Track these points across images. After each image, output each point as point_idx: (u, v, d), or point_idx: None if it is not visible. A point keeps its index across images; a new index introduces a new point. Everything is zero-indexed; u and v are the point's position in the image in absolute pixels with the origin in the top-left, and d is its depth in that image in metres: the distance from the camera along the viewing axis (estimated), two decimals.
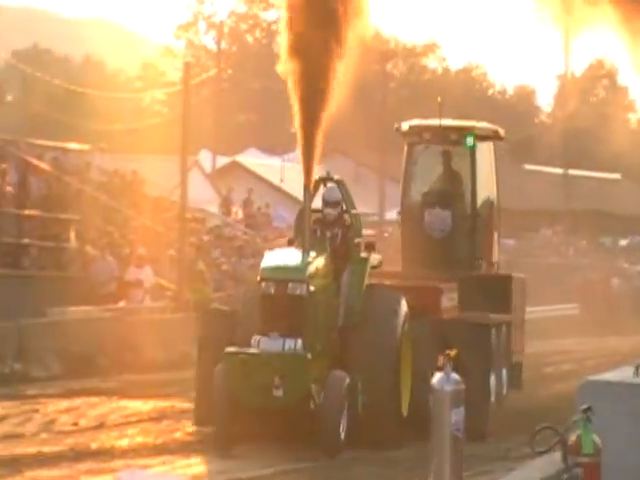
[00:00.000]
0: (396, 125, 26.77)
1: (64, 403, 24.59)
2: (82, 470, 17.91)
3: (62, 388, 26.65)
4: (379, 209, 60.23)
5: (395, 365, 21.46)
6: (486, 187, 26.48)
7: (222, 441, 20.50)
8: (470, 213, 25.89)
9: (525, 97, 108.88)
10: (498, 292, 25.56)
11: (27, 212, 32.77)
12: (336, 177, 23.14)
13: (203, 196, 49.76)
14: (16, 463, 18.50)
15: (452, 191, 26.00)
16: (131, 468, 11.84)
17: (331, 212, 22.54)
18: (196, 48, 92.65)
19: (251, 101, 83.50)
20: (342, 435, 20.21)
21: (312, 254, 21.29)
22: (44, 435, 21.28)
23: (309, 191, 21.54)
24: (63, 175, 36.81)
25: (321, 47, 21.08)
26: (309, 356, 20.03)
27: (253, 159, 73.57)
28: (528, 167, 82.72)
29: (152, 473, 11.30)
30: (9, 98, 73.70)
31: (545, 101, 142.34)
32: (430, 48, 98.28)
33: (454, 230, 25.72)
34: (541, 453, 13.21)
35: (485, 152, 26.61)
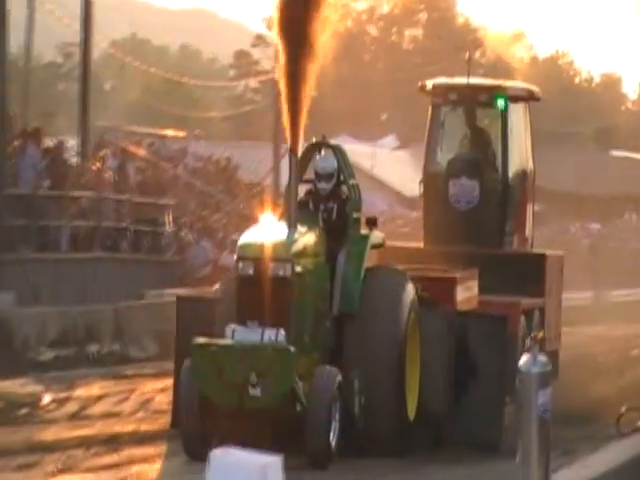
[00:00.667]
0: (420, 83, 23.87)
1: (160, 383, 24.18)
2: (176, 449, 17.66)
3: (158, 368, 26.39)
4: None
5: (399, 361, 17.95)
6: (519, 154, 23.45)
7: (190, 448, 17.08)
8: (500, 183, 22.91)
9: (611, 85, 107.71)
10: (530, 272, 22.62)
11: (125, 197, 32.55)
12: (332, 142, 19.72)
13: None
14: (113, 441, 18.51)
15: (480, 159, 22.98)
16: (225, 447, 11.23)
17: (325, 187, 18.92)
18: None
19: (342, 88, 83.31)
20: (333, 442, 16.84)
21: (300, 230, 17.74)
22: (140, 414, 21.33)
23: (295, 156, 17.85)
24: (160, 161, 36.77)
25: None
26: (293, 349, 16.46)
27: (344, 145, 73.04)
28: (614, 153, 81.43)
29: (246, 452, 10.97)
30: (108, 87, 74.06)
31: (631, 88, 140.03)
32: (518, 37, 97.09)
33: (482, 202, 22.74)
34: (626, 434, 13.10)
35: (518, 115, 23.53)
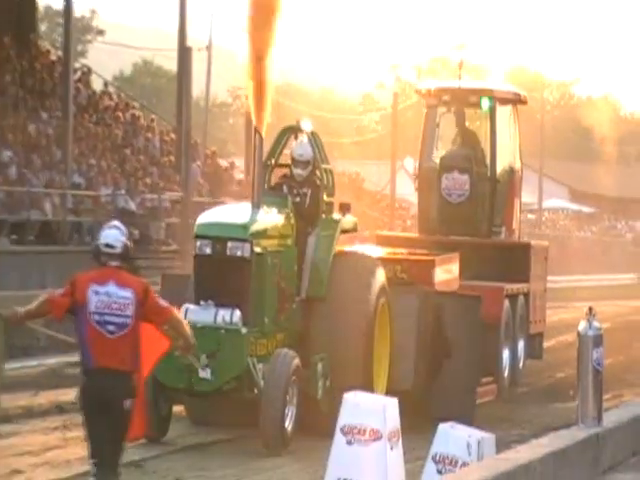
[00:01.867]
0: (416, 87, 22.06)
1: None
2: None
3: None
4: (538, 199, 59.14)
5: (367, 343, 14.83)
6: (507, 152, 20.80)
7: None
8: (489, 178, 20.12)
9: None
10: (516, 260, 20.00)
11: None
12: (305, 125, 16.39)
13: (407, 190, 50.91)
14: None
15: (471, 155, 20.14)
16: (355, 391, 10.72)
17: (301, 173, 15.62)
18: (402, 82, 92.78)
19: None
20: (288, 427, 13.68)
21: (266, 211, 14.69)
22: None
23: (260, 135, 14.66)
24: None
25: None
26: (245, 331, 13.63)
27: None
28: None
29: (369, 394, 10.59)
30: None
31: None
32: (577, 81, 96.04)
33: (472, 195, 19.88)
34: None
35: (506, 116, 20.80)
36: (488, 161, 20.10)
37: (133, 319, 9.39)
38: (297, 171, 15.60)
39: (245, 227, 14.04)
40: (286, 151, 16.20)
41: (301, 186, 15.62)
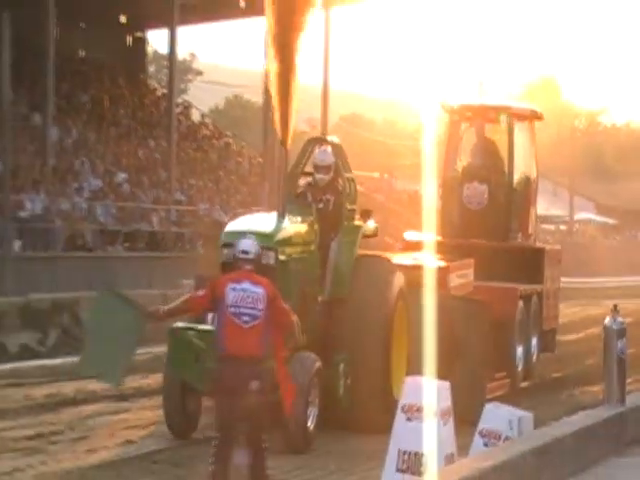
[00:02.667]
0: (441, 103, 20.09)
1: None
2: None
3: None
4: (569, 212, 58.63)
5: (385, 343, 13.80)
6: (524, 164, 19.58)
7: (173, 426, 12.87)
8: (507, 187, 19.09)
9: None
10: (532, 263, 19.03)
11: None
12: (330, 138, 15.68)
13: None
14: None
15: (490, 166, 19.16)
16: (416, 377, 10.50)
17: (323, 177, 14.48)
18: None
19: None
20: (311, 427, 12.55)
21: (290, 219, 13.54)
22: None
23: (285, 147, 13.46)
24: (370, 193, 36.79)
25: None
26: None
27: None
28: None
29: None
30: None
31: None
32: (603, 110, 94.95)
33: (491, 203, 18.90)
34: None
35: (523, 131, 19.60)
36: (506, 171, 19.06)
37: (263, 312, 9.64)
38: (319, 176, 14.55)
39: (270, 236, 12.80)
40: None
41: (324, 193, 14.53)
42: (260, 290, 9.71)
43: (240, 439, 9.75)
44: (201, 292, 10.08)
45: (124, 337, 10.47)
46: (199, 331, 12.11)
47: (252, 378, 9.53)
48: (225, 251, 12.65)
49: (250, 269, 9.85)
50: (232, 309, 9.62)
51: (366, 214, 15.12)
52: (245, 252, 9.88)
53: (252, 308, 9.64)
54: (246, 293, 9.65)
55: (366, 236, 14.92)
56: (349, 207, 14.78)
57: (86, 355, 10.93)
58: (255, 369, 9.59)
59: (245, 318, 9.58)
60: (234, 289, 9.65)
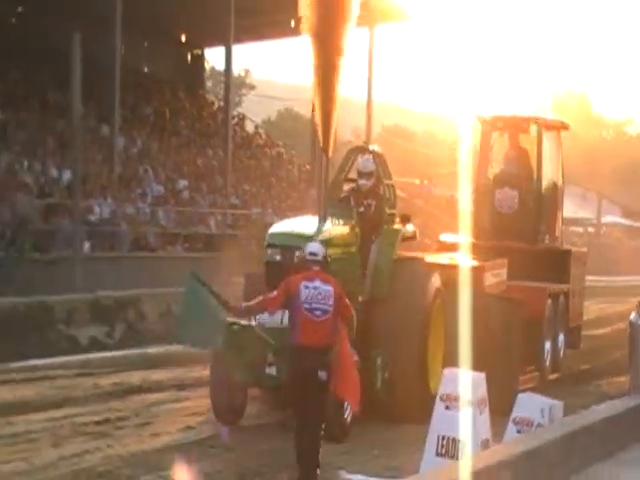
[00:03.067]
0: (475, 114, 19.99)
1: None
2: None
3: None
4: (597, 216, 58.15)
5: (422, 340, 13.64)
6: (551, 171, 19.34)
7: (221, 417, 12.86)
8: (536, 193, 18.83)
9: None
10: (558, 264, 18.88)
11: None
12: (372, 147, 15.58)
13: None
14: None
15: (520, 173, 19.00)
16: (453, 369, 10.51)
17: (365, 183, 14.30)
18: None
19: None
20: (348, 417, 12.36)
21: (330, 222, 13.21)
22: None
23: (327, 155, 12.85)
24: (411, 198, 36.70)
25: None
26: None
27: None
28: None
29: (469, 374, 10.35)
30: None
31: None
32: (629, 121, 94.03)
33: (521, 208, 18.71)
34: None
35: (551, 140, 19.39)
36: (535, 178, 18.84)
37: (333, 307, 10.19)
38: (362, 182, 14.36)
39: (310, 237, 12.28)
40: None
41: (365, 198, 14.30)
42: (329, 288, 10.24)
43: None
44: (274, 293, 10.52)
45: (214, 315, 11.08)
46: (242, 326, 11.79)
47: (321, 368, 10.03)
48: (269, 251, 12.74)
49: (318, 269, 10.39)
50: (306, 305, 10.16)
51: (405, 218, 14.97)
52: (313, 254, 10.47)
53: (323, 304, 10.16)
54: (317, 290, 10.17)
55: (405, 239, 14.77)
56: (389, 211, 14.67)
57: (182, 327, 11.57)
58: (324, 359, 10.09)
59: (317, 313, 10.11)
60: (307, 287, 10.17)
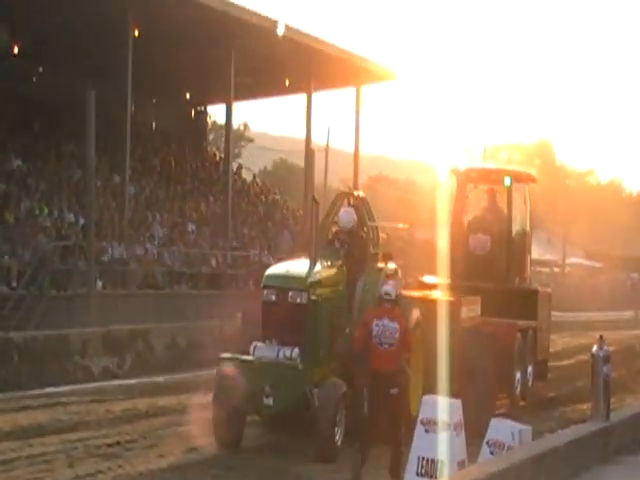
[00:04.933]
0: (450, 167, 20.03)
1: None
2: None
3: None
4: (562, 257, 58.37)
5: (403, 368, 13.00)
6: (520, 219, 19.31)
7: (222, 440, 12.71)
8: (506, 238, 18.76)
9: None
10: (527, 302, 18.76)
11: None
12: (357, 193, 15.59)
13: None
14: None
15: (492, 220, 18.94)
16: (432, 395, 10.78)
17: (344, 237, 14.38)
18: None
19: None
20: (339, 440, 12.37)
21: (319, 264, 13.34)
22: None
23: (316, 203, 13.34)
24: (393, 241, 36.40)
25: None
26: (301, 366, 12.32)
27: None
28: None
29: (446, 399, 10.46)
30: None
31: None
32: (590, 172, 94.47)
33: (493, 251, 18.64)
34: None
35: (520, 191, 19.33)
36: (505, 224, 18.77)
37: (398, 339, 11.34)
38: (342, 235, 14.38)
39: (303, 279, 12.75)
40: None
41: (350, 240, 14.41)
42: (395, 325, 11.40)
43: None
44: (359, 332, 11.69)
45: None
46: (241, 361, 12.36)
47: (392, 386, 11.15)
48: (265, 292, 12.82)
49: (390, 307, 11.50)
50: (376, 339, 11.37)
51: (387, 257, 15.04)
52: (388, 294, 11.54)
53: (389, 337, 11.33)
54: (385, 327, 11.34)
55: (387, 276, 14.50)
56: (372, 251, 14.79)
57: None
58: (393, 379, 11.22)
59: (385, 345, 11.30)
60: (377, 325, 11.37)
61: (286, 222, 37.81)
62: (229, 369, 12.37)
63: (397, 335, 11.33)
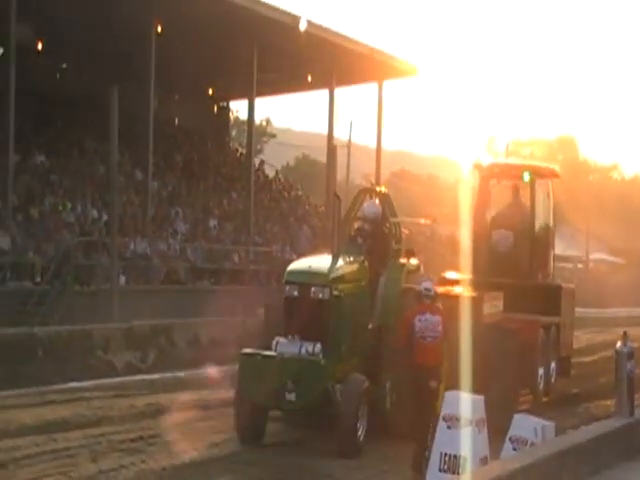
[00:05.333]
0: (474, 162, 19.82)
1: None
2: None
3: None
4: (585, 253, 58.16)
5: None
6: (543, 215, 19.00)
7: (243, 438, 12.70)
8: (529, 234, 18.53)
9: None
10: (550, 298, 18.46)
11: None
12: (379, 189, 15.69)
13: None
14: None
15: (515, 216, 18.71)
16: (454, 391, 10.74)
17: (367, 228, 14.42)
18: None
19: None
20: (361, 437, 12.31)
21: (342, 260, 13.30)
22: None
23: (338, 199, 13.45)
24: (415, 236, 36.46)
25: None
26: (323, 362, 12.19)
27: None
28: None
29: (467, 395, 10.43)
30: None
31: None
32: (614, 166, 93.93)
33: (516, 247, 18.44)
34: None
35: (543, 186, 19.04)
36: (528, 220, 18.52)
37: (440, 332, 11.74)
38: (366, 225, 14.47)
39: (325, 275, 12.70)
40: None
41: (372, 236, 14.37)
42: (437, 318, 11.84)
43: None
44: (401, 331, 11.91)
45: None
46: (264, 356, 12.28)
47: (432, 378, 11.44)
48: (287, 288, 12.73)
49: (431, 302, 11.95)
50: (419, 334, 11.73)
51: (410, 253, 15.00)
52: (428, 290, 12.00)
53: (432, 331, 11.74)
54: (428, 322, 11.76)
55: (410, 272, 14.66)
56: (395, 246, 14.73)
57: None
58: (434, 372, 11.54)
59: (428, 339, 11.69)
60: (420, 320, 11.77)
61: (309, 218, 37.85)
62: (250, 364, 12.29)
63: (440, 328, 11.80)
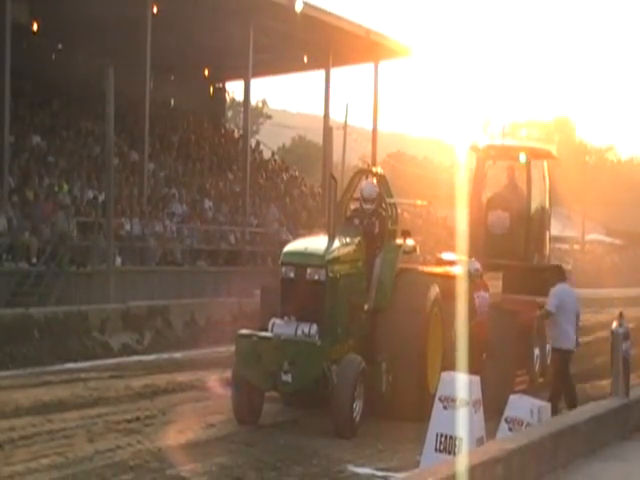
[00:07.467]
0: (470, 144, 19.74)
1: None
2: None
3: None
4: (581, 234, 58.08)
5: (421, 345, 13.46)
6: (539, 196, 18.91)
7: (239, 417, 12.57)
8: (525, 215, 18.41)
9: None
10: (546, 279, 17.53)
11: None
12: (375, 169, 15.51)
13: None
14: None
15: (511, 197, 18.62)
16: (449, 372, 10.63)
17: (369, 207, 14.30)
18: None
19: None
20: (357, 418, 12.19)
21: (338, 241, 13.12)
22: None
23: (334, 180, 13.05)
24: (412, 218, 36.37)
25: None
26: (319, 343, 12.05)
27: None
28: None
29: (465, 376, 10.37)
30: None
31: None
32: (610, 147, 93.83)
33: (512, 229, 18.30)
34: None
35: (539, 168, 18.90)
36: (524, 201, 18.40)
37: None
38: (366, 205, 14.34)
39: (321, 256, 12.51)
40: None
41: (369, 217, 14.32)
42: (487, 295, 14.45)
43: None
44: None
45: None
46: (260, 337, 12.10)
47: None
48: (284, 269, 12.55)
49: (480, 281, 14.30)
50: (479, 309, 14.04)
51: (406, 233, 14.89)
52: (477, 270, 14.38)
53: (485, 306, 13.96)
54: (482, 298, 14.04)
55: (406, 253, 14.62)
56: (391, 227, 14.61)
57: None
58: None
59: (484, 315, 14.22)
60: (477, 297, 14.01)
61: (305, 199, 37.83)
62: (246, 345, 12.14)
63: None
